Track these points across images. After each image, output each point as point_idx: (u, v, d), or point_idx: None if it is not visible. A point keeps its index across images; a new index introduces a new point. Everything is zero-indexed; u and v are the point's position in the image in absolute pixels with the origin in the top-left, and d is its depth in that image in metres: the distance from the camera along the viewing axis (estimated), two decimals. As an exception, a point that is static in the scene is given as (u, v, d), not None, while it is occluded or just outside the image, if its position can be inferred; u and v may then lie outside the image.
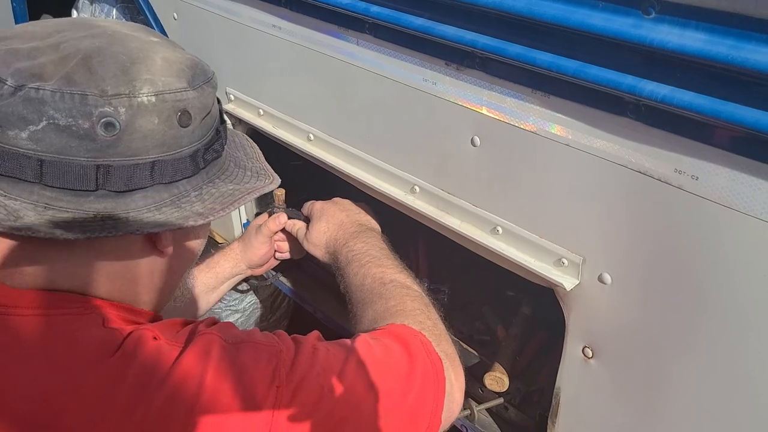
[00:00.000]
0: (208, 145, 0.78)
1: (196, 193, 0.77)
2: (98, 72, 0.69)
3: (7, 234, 0.68)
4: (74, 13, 2.29)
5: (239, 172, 0.85)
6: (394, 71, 1.07)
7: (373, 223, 1.29)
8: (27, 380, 0.67)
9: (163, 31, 1.64)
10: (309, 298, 1.57)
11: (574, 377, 1.00)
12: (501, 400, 1.21)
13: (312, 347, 0.80)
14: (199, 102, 0.75)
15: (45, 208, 0.69)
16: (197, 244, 0.86)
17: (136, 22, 1.46)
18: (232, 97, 1.51)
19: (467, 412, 1.20)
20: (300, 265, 1.57)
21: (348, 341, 0.86)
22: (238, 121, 1.52)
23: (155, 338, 0.73)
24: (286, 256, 1.40)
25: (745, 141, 0.70)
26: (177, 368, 0.70)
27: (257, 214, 1.65)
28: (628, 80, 0.76)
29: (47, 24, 0.75)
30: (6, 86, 0.67)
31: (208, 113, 0.78)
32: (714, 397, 0.83)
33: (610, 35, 0.76)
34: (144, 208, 0.72)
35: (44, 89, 0.66)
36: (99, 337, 0.71)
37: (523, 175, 0.95)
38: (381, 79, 1.10)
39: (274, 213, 1.39)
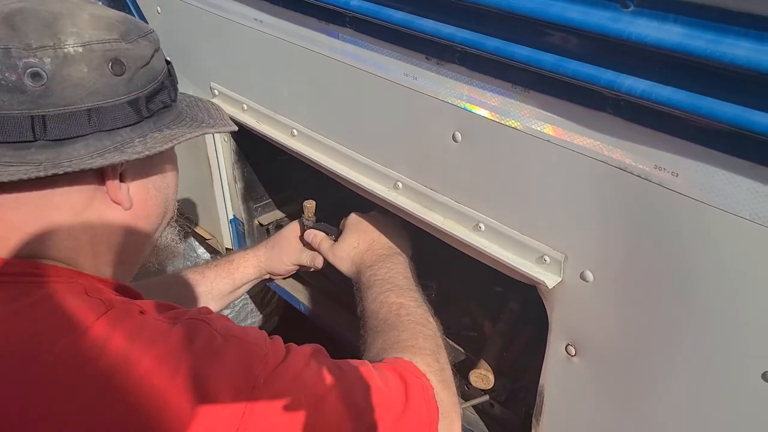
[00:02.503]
0: (151, 94, 0.80)
1: (140, 139, 0.78)
2: (21, 28, 0.70)
3: None
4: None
5: (194, 124, 0.87)
6: (375, 66, 1.06)
7: (405, 247, 1.26)
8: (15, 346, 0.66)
9: (147, 25, 1.62)
10: (298, 298, 1.56)
11: (558, 375, 0.99)
12: (486, 397, 1.20)
13: (304, 361, 0.79)
14: (133, 53, 0.77)
15: None
16: (160, 201, 0.86)
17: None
18: (216, 92, 1.49)
19: (453, 409, 1.20)
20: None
21: (352, 362, 0.87)
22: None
23: (142, 312, 0.73)
24: (305, 269, 1.40)
25: (726, 137, 0.68)
26: (158, 344, 0.69)
27: (277, 224, 1.63)
28: (606, 75, 0.74)
29: None
30: None
31: (146, 64, 0.80)
32: (696, 393, 0.82)
33: (587, 29, 0.74)
34: (87, 156, 0.73)
35: None
36: (78, 305, 0.70)
37: (505, 171, 0.94)
38: (362, 74, 1.08)
39: (305, 226, 1.36)
